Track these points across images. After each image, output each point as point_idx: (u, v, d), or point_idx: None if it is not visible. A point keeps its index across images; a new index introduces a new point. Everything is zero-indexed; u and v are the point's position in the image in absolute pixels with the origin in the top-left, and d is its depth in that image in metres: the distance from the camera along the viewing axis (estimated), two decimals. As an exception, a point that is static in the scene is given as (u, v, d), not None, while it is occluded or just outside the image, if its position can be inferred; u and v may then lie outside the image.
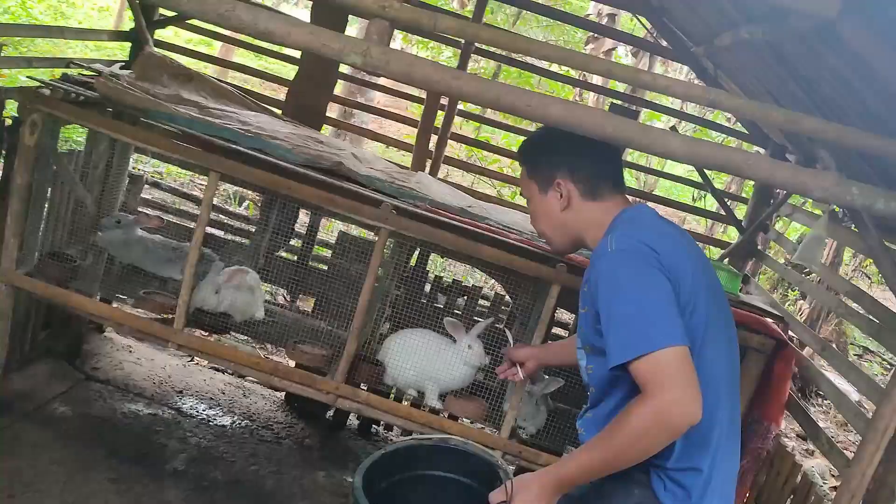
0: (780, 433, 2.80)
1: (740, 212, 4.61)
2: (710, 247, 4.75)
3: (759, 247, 3.91)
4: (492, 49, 3.81)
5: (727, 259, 3.75)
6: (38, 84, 2.90)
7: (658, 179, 9.10)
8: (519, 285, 3.12)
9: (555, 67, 6.12)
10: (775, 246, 5.16)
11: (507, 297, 3.98)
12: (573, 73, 8.13)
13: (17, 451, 2.93)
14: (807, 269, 5.35)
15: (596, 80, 8.00)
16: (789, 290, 8.31)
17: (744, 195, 5.35)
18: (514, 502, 1.56)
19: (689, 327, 1.58)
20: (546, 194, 1.85)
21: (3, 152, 2.98)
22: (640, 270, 1.57)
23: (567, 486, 1.57)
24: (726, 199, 4.08)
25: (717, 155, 1.80)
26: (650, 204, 3.74)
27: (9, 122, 2.96)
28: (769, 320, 2.88)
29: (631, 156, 9.37)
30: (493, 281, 6.67)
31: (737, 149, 1.83)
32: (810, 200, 3.61)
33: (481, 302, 4.06)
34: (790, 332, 3.37)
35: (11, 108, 2.87)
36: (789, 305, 7.98)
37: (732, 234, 8.57)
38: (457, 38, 3.29)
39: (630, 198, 1.89)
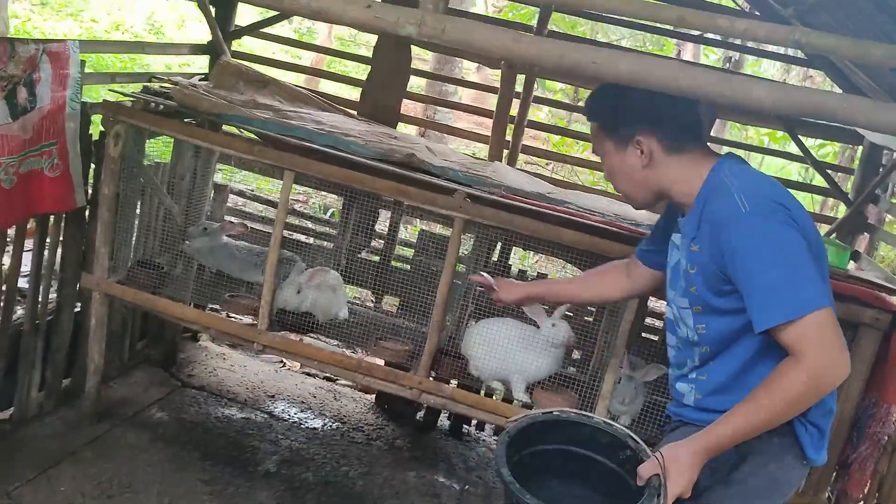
0: (903, 416, 2.54)
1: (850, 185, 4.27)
2: (821, 224, 4.41)
3: (871, 220, 3.60)
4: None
5: (834, 234, 3.48)
6: (120, 97, 2.99)
7: (763, 158, 8.69)
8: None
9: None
10: None
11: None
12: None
13: (116, 454, 3.01)
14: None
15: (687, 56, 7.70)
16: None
17: (853, 167, 4.97)
18: (669, 473, 1.55)
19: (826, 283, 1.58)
20: (625, 151, 1.78)
21: (93, 165, 3.09)
22: (779, 231, 1.54)
23: (718, 451, 1.58)
24: (831, 172, 3.79)
25: (809, 99, 1.64)
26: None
27: (96, 136, 3.07)
28: (884, 294, 2.63)
29: (730, 133, 8.97)
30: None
31: (831, 92, 1.66)
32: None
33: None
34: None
35: (97, 123, 2.98)
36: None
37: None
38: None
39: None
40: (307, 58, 11.44)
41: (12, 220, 2.81)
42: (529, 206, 2.79)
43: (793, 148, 3.94)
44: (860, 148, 3.71)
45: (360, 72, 9.19)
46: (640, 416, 2.87)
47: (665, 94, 1.69)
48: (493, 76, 11.91)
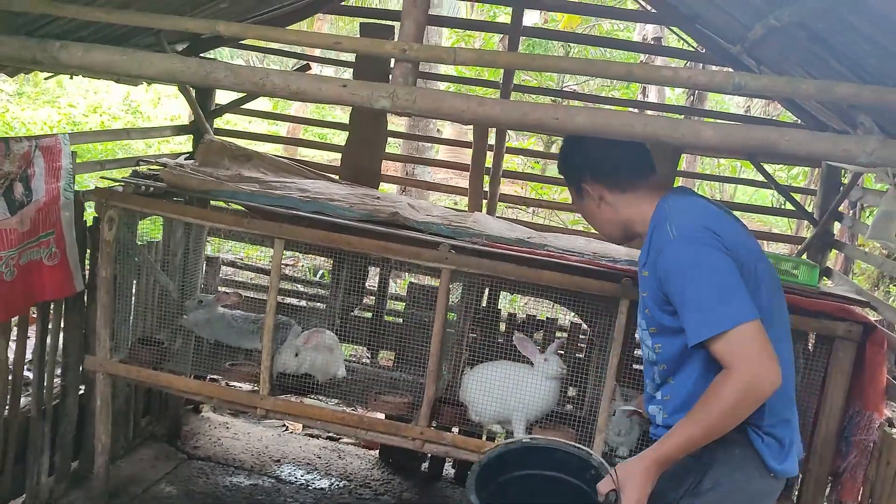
0: (883, 422, 2.65)
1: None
2: (794, 245, 4.56)
3: (842, 238, 3.75)
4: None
5: (805, 254, 3.62)
6: (110, 183, 3.12)
7: (736, 188, 8.97)
8: (593, 310, 3.10)
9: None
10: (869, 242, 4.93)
11: (584, 325, 3.95)
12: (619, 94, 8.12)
13: (130, 532, 3.05)
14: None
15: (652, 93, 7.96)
16: (891, 285, 7.86)
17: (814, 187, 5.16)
18: (625, 488, 1.66)
19: (756, 299, 1.69)
20: (583, 199, 2.01)
21: (88, 251, 3.20)
22: (705, 254, 1.69)
23: (667, 464, 1.68)
24: (797, 195, 3.96)
25: (751, 136, 1.79)
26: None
27: (90, 222, 3.18)
28: (854, 307, 2.76)
29: (700, 166, 9.20)
30: (571, 313, 6.61)
31: (770, 126, 1.81)
32: (882, 184, 3.47)
33: (558, 334, 4.03)
34: (883, 318, 3.21)
35: (91, 209, 3.10)
36: (894, 301, 7.55)
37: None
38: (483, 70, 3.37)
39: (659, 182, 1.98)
40: (283, 127, 11.68)
41: (14, 311, 2.91)
42: (511, 252, 2.92)
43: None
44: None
45: (337, 136, 9.41)
46: (636, 446, 2.96)
47: (602, 142, 1.88)
48: (467, 130, 12.22)
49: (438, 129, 9.91)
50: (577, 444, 1.94)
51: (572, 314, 5.19)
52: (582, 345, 3.83)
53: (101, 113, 13.35)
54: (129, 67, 1.98)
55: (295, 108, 12.89)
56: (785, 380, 1.66)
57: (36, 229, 2.89)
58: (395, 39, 2.02)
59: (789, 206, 3.82)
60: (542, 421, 2.96)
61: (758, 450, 1.76)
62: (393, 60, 2.00)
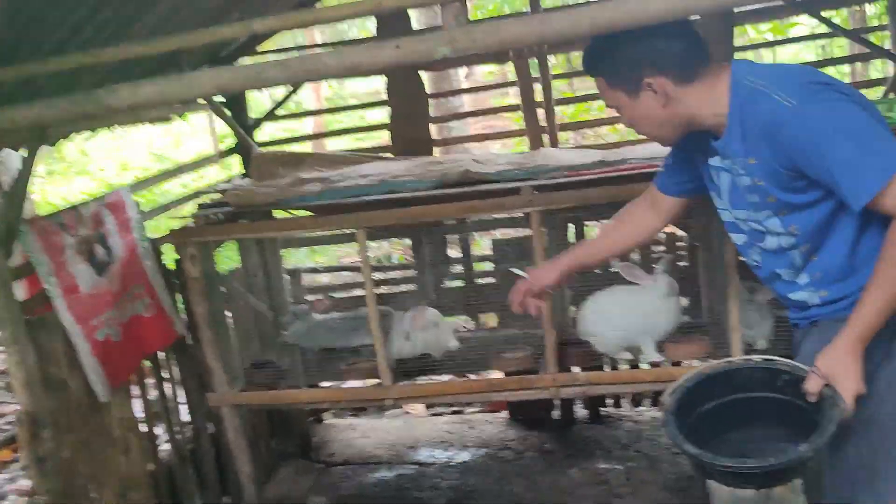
0: None
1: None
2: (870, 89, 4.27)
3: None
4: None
5: (891, 93, 3.40)
6: (181, 222, 3.10)
7: (775, 51, 8.56)
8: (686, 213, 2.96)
9: None
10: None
11: (678, 231, 3.82)
12: None
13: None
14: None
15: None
16: None
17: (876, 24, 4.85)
18: (837, 378, 1.55)
19: None
20: (638, 97, 1.74)
21: (178, 294, 3.20)
22: (835, 108, 1.54)
23: (868, 337, 1.57)
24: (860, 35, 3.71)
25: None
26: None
27: (171, 265, 3.17)
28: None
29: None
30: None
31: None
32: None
33: (654, 248, 3.92)
34: None
35: (169, 252, 3.09)
36: None
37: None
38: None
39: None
40: (305, 127, 11.65)
41: (130, 370, 2.92)
42: (596, 176, 2.80)
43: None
44: (880, 3, 3.64)
45: (357, 119, 9.31)
46: (773, 336, 2.84)
47: (666, 30, 1.69)
48: (482, 76, 11.98)
49: (458, 81, 9.73)
50: (751, 356, 1.80)
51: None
52: (682, 252, 3.71)
53: (130, 169, 13.54)
54: (181, 91, 1.92)
55: (311, 105, 12.81)
56: None
57: (126, 285, 2.88)
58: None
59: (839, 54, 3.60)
60: (671, 336, 2.86)
61: None
62: (439, 9, 1.88)
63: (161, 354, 3.19)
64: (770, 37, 8.89)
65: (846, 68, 7.40)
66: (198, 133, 15.67)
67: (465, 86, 11.12)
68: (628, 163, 2.93)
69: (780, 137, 1.57)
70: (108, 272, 2.79)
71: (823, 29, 3.70)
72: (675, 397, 1.73)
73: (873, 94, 3.68)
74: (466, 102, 9.61)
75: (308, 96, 14.24)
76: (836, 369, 1.55)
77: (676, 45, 1.71)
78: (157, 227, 3.70)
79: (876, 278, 1.53)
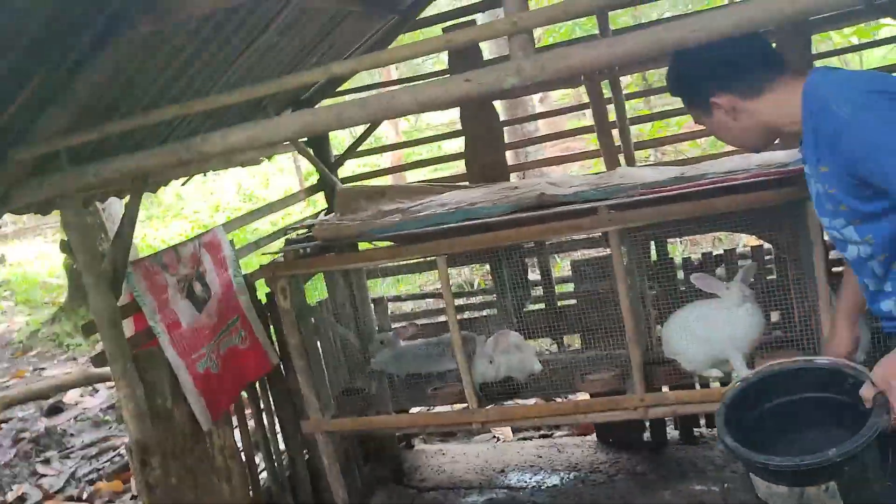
0: None
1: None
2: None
3: None
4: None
5: None
6: (271, 257, 3.25)
7: (862, 57, 8.28)
8: (771, 225, 2.92)
9: None
10: None
11: (765, 243, 3.73)
12: None
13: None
14: None
15: None
16: None
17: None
18: (892, 388, 1.54)
19: None
20: (712, 116, 1.83)
21: (271, 326, 3.34)
22: (887, 118, 1.52)
23: None
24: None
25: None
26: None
27: (264, 299, 3.33)
28: None
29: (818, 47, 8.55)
30: (742, 238, 6.30)
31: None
32: None
33: (740, 263, 3.83)
34: None
35: (262, 286, 3.24)
36: None
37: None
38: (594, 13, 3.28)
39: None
40: (385, 161, 11.96)
41: (231, 400, 3.07)
42: (674, 192, 2.79)
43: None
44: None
45: (435, 150, 9.50)
46: (872, 349, 2.74)
47: (724, 46, 1.71)
48: (557, 99, 12.00)
49: (532, 106, 9.80)
50: (821, 357, 1.82)
51: (744, 239, 4.92)
52: (770, 265, 3.61)
53: (222, 209, 14.17)
54: (268, 135, 2.04)
55: (391, 139, 13.13)
56: None
57: (223, 319, 3.04)
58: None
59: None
60: (759, 351, 2.80)
61: None
62: (507, 38, 1.94)
63: (257, 385, 3.32)
64: (855, 40, 8.61)
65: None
66: (284, 172, 16.34)
67: (539, 110, 11.20)
68: (707, 177, 2.90)
69: (839, 147, 1.59)
70: (207, 307, 2.96)
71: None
72: (735, 391, 1.79)
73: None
74: (541, 127, 9.67)
75: (387, 131, 14.62)
76: (891, 378, 1.54)
77: (736, 59, 1.75)
78: (250, 263, 3.88)
79: None
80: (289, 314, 3.14)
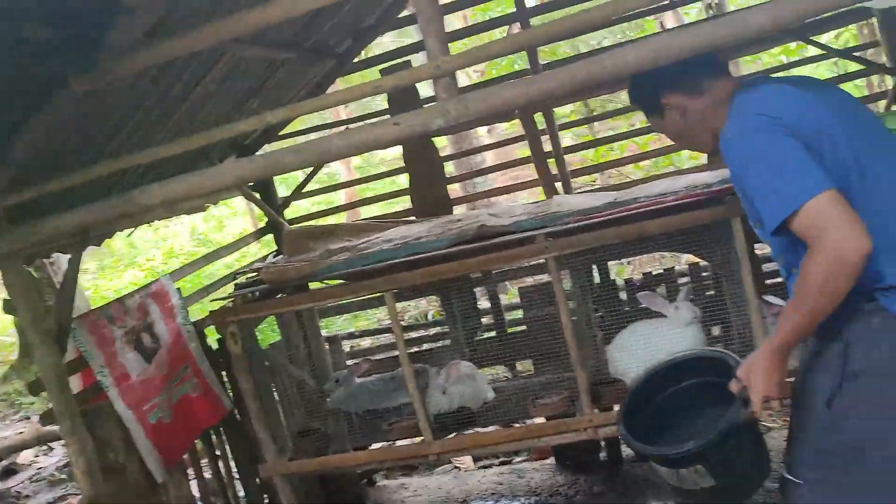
0: None
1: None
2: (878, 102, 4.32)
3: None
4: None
5: (893, 106, 3.46)
6: (219, 303, 3.27)
7: (788, 72, 8.71)
8: (704, 242, 3.04)
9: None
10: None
11: (702, 261, 3.86)
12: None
13: None
14: None
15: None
16: None
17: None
18: (751, 383, 1.68)
19: (837, 161, 1.65)
20: (665, 117, 1.97)
21: (224, 371, 3.35)
22: (759, 141, 1.68)
23: (786, 351, 1.68)
24: (860, 54, 3.80)
25: (801, 3, 1.73)
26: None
27: (215, 344, 3.33)
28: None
29: (744, 69, 8.90)
30: (684, 257, 6.49)
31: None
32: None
33: (680, 280, 3.96)
34: None
35: (212, 333, 3.25)
36: None
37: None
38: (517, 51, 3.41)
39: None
40: (340, 197, 12.00)
41: (184, 449, 3.06)
42: (607, 217, 2.90)
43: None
44: (875, 21, 3.73)
45: (388, 184, 9.62)
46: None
47: None
48: (504, 130, 12.22)
49: (478, 139, 9.97)
50: (713, 347, 1.99)
51: (684, 258, 5.07)
52: (708, 281, 3.75)
53: (176, 255, 14.00)
54: (207, 185, 2.09)
55: (343, 177, 13.21)
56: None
57: (174, 368, 3.04)
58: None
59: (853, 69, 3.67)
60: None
61: (892, 311, 1.65)
62: (431, 82, 2.04)
63: (212, 432, 3.31)
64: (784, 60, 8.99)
65: (861, 82, 7.42)
66: (238, 215, 16.24)
67: (487, 141, 11.41)
68: (638, 201, 3.02)
69: (726, 161, 1.78)
70: (156, 358, 2.96)
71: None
72: (645, 377, 2.08)
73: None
74: (489, 157, 9.84)
75: (340, 168, 14.68)
76: (751, 374, 1.68)
77: (683, 63, 1.84)
78: (203, 309, 3.88)
79: (793, 298, 1.65)
80: (240, 359, 3.15)
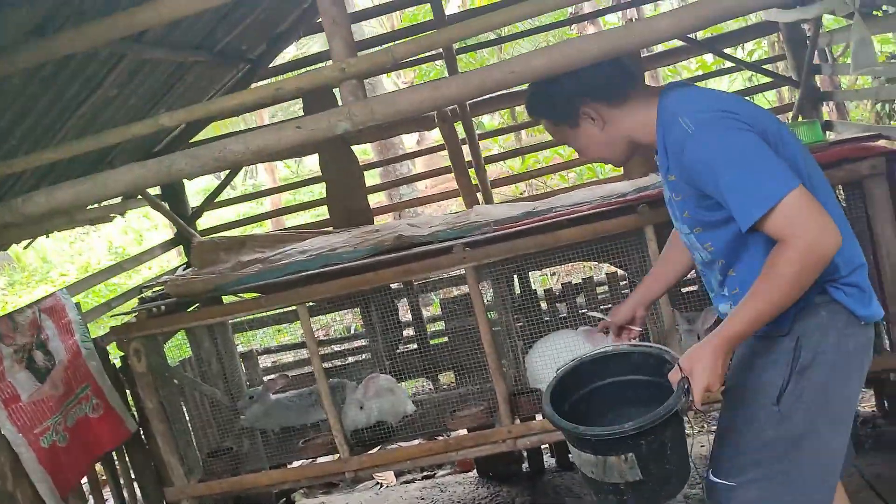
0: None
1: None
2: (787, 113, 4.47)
3: (824, 89, 3.70)
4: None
5: (799, 117, 3.56)
6: (123, 318, 3.10)
7: (706, 84, 9.00)
8: (621, 251, 3.05)
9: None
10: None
11: (619, 270, 3.89)
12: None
13: None
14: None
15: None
16: (890, 110, 7.62)
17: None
18: (694, 373, 1.64)
19: (788, 160, 1.65)
20: (579, 127, 1.88)
21: (127, 391, 3.17)
22: (729, 136, 1.64)
23: (736, 341, 1.66)
24: (768, 67, 3.90)
25: (701, 11, 1.74)
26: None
27: (118, 362, 3.16)
28: (867, 143, 2.71)
29: (664, 81, 9.13)
30: (604, 266, 6.57)
31: (718, -6, 1.77)
32: (842, 19, 3.41)
33: (599, 289, 3.98)
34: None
35: (115, 349, 3.08)
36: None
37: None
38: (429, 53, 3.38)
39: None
40: (266, 207, 11.75)
41: (80, 474, 2.87)
42: (523, 227, 2.88)
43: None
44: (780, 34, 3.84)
45: (317, 194, 9.48)
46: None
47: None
48: (434, 140, 12.25)
49: (405, 149, 9.94)
50: (649, 343, 1.95)
51: (605, 267, 5.13)
52: (626, 291, 3.77)
53: (91, 270, 13.45)
54: (95, 192, 1.96)
55: (269, 185, 12.95)
56: (843, 223, 1.68)
57: (70, 388, 2.86)
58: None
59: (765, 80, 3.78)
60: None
61: (843, 303, 1.72)
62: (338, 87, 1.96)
63: (115, 454, 3.13)
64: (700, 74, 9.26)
65: (773, 95, 7.70)
66: (160, 228, 15.73)
67: (412, 149, 11.38)
68: (554, 211, 3.02)
69: (683, 159, 1.70)
70: (51, 377, 2.77)
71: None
72: (569, 368, 1.91)
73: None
74: (418, 166, 9.81)
75: (266, 180, 14.41)
76: (695, 365, 1.64)
77: (604, 72, 1.83)
78: (114, 323, 3.69)
79: (752, 291, 1.62)
80: (144, 377, 3.00)
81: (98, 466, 3.09)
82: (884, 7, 2.67)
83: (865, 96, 3.86)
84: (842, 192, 2.78)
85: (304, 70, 3.79)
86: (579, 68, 1.80)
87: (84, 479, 2.96)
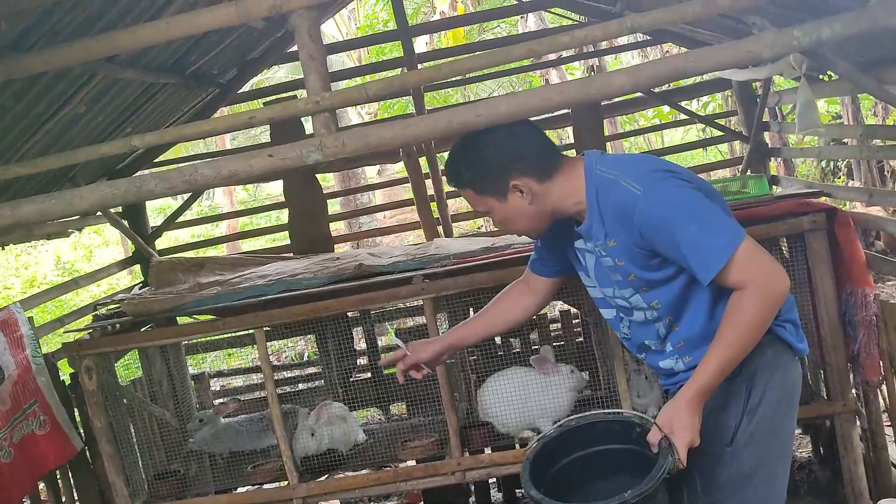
0: (877, 294, 2.72)
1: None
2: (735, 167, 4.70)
3: (772, 145, 3.89)
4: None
5: (748, 171, 3.74)
6: (76, 335, 3.08)
7: (663, 138, 9.30)
8: (575, 290, 3.13)
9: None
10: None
11: (573, 308, 3.99)
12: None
13: None
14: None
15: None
16: (833, 167, 8.00)
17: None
18: (674, 430, 1.67)
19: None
20: (507, 200, 1.85)
21: (76, 408, 3.13)
22: (677, 193, 1.72)
23: (709, 392, 1.72)
24: (720, 121, 4.10)
25: (660, 69, 1.85)
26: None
27: (67, 379, 3.12)
28: (810, 199, 2.86)
29: (622, 128, 9.43)
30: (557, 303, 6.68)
31: (674, 56, 1.89)
32: (791, 81, 3.61)
33: (553, 326, 4.07)
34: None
35: (65, 366, 3.05)
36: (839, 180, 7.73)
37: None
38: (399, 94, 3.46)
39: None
40: (222, 230, 11.65)
41: (23, 491, 2.83)
42: (482, 262, 2.95)
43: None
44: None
45: (274, 219, 9.45)
46: (663, 401, 2.98)
47: (510, 131, 1.84)
48: (395, 172, 12.35)
49: (367, 179, 10.02)
50: (612, 410, 1.96)
51: (558, 304, 5.23)
52: (578, 330, 3.86)
53: (38, 285, 13.12)
54: (62, 209, 1.97)
55: (226, 209, 12.86)
56: None
57: (18, 404, 2.83)
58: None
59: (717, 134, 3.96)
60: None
61: (784, 339, 1.82)
62: (310, 118, 2.03)
63: (58, 473, 3.08)
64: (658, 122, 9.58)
65: (724, 147, 8.00)
66: (110, 244, 15.43)
67: (378, 181, 11.46)
68: (512, 247, 3.11)
69: (633, 220, 1.72)
70: (-1, 392, 2.74)
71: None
72: (538, 447, 1.87)
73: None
74: (378, 198, 9.88)
75: (224, 203, 14.28)
76: (674, 423, 1.68)
77: (533, 145, 1.85)
78: (66, 339, 3.64)
79: (716, 340, 1.70)
80: (94, 395, 2.97)
81: (41, 485, 3.03)
82: (829, 73, 2.84)
83: (809, 155, 4.09)
84: (785, 243, 2.93)
85: (273, 98, 3.85)
86: (509, 141, 1.84)
87: (26, 498, 2.91)
